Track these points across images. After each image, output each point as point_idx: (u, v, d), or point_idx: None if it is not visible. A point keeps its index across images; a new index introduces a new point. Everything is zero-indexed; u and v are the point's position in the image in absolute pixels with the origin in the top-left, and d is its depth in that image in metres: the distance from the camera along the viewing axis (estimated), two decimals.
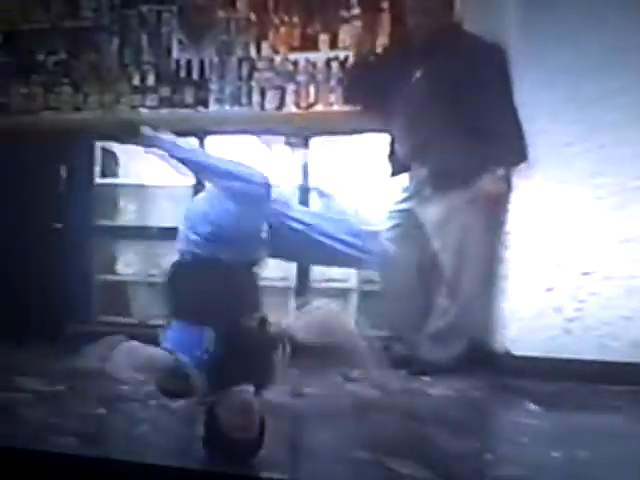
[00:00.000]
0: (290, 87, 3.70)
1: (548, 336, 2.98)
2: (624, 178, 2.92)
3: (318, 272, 3.58)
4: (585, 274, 2.97)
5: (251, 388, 1.97)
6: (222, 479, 1.88)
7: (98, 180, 3.88)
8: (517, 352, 3.01)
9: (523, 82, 2.99)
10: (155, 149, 2.22)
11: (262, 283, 3.36)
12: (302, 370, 2.98)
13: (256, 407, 1.94)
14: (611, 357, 2.91)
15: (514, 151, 2.98)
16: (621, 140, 2.92)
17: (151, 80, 3.82)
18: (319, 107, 3.67)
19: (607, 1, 2.93)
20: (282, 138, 3.61)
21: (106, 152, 3.92)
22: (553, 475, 2.00)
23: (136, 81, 3.84)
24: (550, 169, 2.98)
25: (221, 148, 3.56)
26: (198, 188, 3.62)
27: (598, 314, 2.95)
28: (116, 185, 3.98)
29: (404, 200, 3.26)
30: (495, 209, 3.06)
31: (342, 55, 3.68)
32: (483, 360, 3.09)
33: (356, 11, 3.71)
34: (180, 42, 3.82)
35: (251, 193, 2.12)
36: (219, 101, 3.76)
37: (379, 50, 3.66)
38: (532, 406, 2.61)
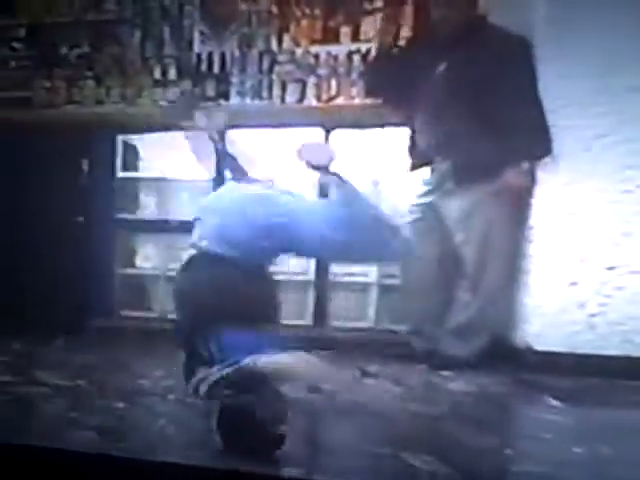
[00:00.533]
0: (311, 80, 3.69)
1: (571, 331, 2.95)
2: None
3: (337, 266, 3.58)
4: (610, 269, 2.93)
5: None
6: (240, 477, 1.87)
7: (120, 174, 3.90)
8: (539, 347, 2.98)
9: (550, 74, 2.95)
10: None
11: (281, 277, 3.44)
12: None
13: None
14: (636, 352, 2.87)
15: (539, 144, 2.94)
16: None
17: (172, 73, 3.82)
18: (340, 100, 3.66)
19: None
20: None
21: (127, 146, 3.94)
22: (575, 471, 1.96)
23: (158, 74, 3.85)
24: (576, 162, 2.94)
25: (242, 141, 3.59)
26: (218, 181, 3.65)
27: (623, 309, 2.90)
28: (137, 179, 4.00)
29: (426, 193, 3.23)
30: (519, 203, 3.03)
31: (364, 48, 3.66)
32: (505, 355, 3.06)
33: (379, 3, 3.68)
34: (202, 35, 3.82)
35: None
36: (240, 94, 3.75)
37: (402, 42, 3.64)
38: (554, 402, 2.58)
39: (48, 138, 3.71)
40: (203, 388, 1.94)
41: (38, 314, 3.55)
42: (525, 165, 2.96)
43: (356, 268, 3.61)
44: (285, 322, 3.26)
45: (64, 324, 3.54)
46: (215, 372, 1.91)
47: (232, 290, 2.03)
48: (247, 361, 1.88)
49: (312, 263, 3.58)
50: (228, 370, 1.90)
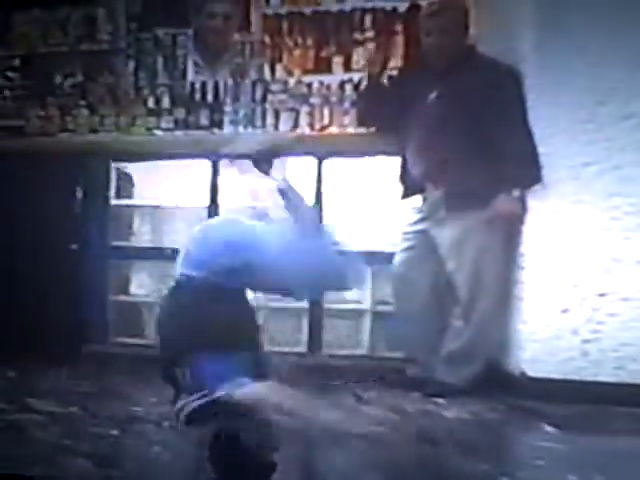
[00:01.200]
0: (304, 109, 3.73)
1: (565, 358, 2.96)
2: None
3: (332, 294, 3.58)
4: (602, 295, 2.94)
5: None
6: None
7: (113, 201, 3.91)
8: (533, 374, 2.98)
9: (540, 103, 3.00)
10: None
11: (276, 305, 3.44)
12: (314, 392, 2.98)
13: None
14: (629, 379, 2.87)
15: (529, 172, 2.97)
16: (637, 161, 2.91)
17: (166, 102, 3.85)
18: (333, 129, 3.69)
19: (627, 21, 2.92)
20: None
21: (121, 173, 3.96)
22: None
23: (151, 103, 3.88)
24: (566, 190, 2.98)
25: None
26: (212, 209, 3.67)
27: (616, 335, 2.92)
28: (131, 206, 4.01)
29: (418, 221, 3.26)
30: (510, 230, 3.05)
31: (356, 77, 3.71)
32: (499, 382, 3.06)
33: (370, 34, 3.74)
34: (195, 65, 3.86)
35: None
36: (233, 123, 3.79)
37: (393, 72, 3.69)
38: (549, 428, 2.59)
39: (42, 166, 3.72)
40: (182, 417, 1.95)
41: (32, 341, 3.53)
42: (516, 193, 2.99)
43: (350, 295, 3.61)
44: (279, 349, 3.30)
45: (58, 351, 3.52)
46: (191, 401, 1.92)
47: (209, 317, 2.03)
48: (222, 392, 1.88)
49: None
50: (204, 400, 1.91)
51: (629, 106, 2.91)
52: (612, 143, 2.93)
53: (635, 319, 2.90)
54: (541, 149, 2.96)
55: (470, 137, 3.01)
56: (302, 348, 3.61)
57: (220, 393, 1.86)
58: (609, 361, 2.91)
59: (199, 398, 1.89)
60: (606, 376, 2.90)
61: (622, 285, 2.93)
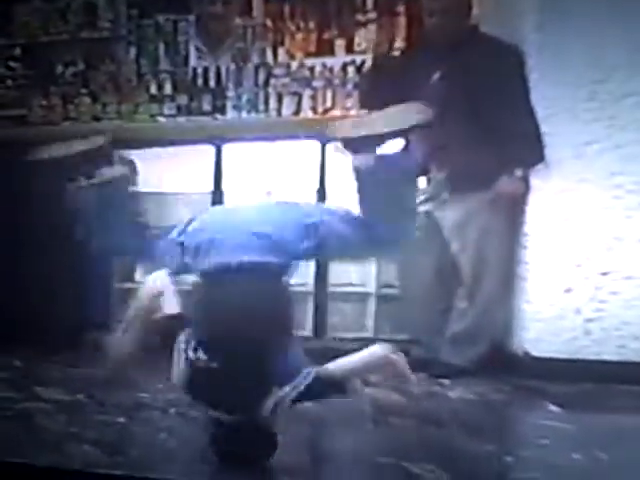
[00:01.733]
0: (307, 93, 3.72)
1: (568, 337, 2.98)
2: None
3: (336, 276, 3.60)
4: (604, 274, 2.95)
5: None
6: None
7: None
8: (537, 354, 3.00)
9: (543, 82, 2.99)
10: None
11: None
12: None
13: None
14: (632, 357, 2.89)
15: (531, 152, 2.98)
16: (639, 139, 2.91)
17: (168, 89, 3.86)
18: (336, 112, 3.69)
19: (626, 1, 2.92)
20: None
21: (124, 161, 3.96)
22: (574, 477, 1.98)
23: (154, 90, 3.89)
24: (569, 169, 2.98)
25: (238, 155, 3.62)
26: (216, 194, 3.68)
27: (618, 314, 2.93)
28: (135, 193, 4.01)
29: (422, 203, 3.25)
30: (513, 210, 3.06)
31: (358, 59, 3.71)
32: (503, 362, 3.08)
33: (372, 15, 3.73)
34: (197, 50, 3.86)
35: None
36: (236, 108, 3.79)
37: (396, 53, 3.68)
38: (553, 408, 2.60)
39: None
40: (285, 405, 1.95)
41: (38, 330, 3.56)
42: (519, 172, 2.99)
43: (355, 278, 3.63)
44: None
45: (63, 339, 3.55)
46: (293, 388, 1.93)
47: (287, 303, 2.03)
48: (315, 370, 1.92)
49: (311, 274, 3.60)
50: (304, 383, 1.92)
51: (629, 84, 2.91)
52: (613, 121, 2.93)
53: (637, 297, 2.92)
54: (544, 128, 2.96)
55: (473, 118, 3.01)
56: (308, 332, 3.63)
57: (314, 373, 1.90)
58: (612, 340, 2.93)
59: (297, 383, 1.91)
60: (609, 355, 2.92)
61: (624, 264, 2.94)
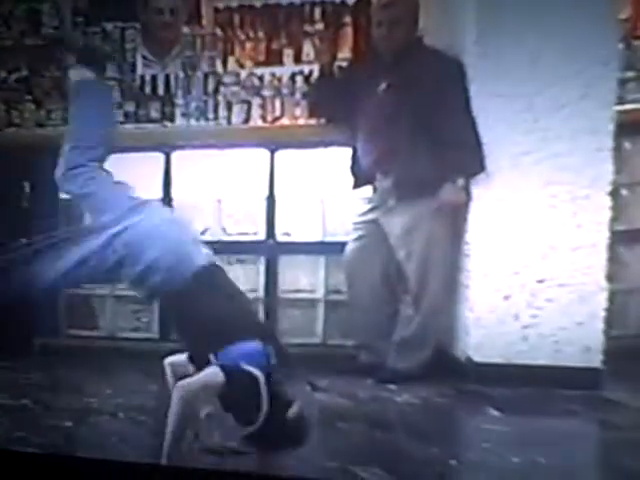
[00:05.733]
0: (256, 101, 3.74)
1: (507, 342, 3.05)
2: (575, 187, 3.00)
3: (286, 283, 3.63)
4: (540, 281, 3.03)
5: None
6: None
7: (63, 195, 3.87)
8: (479, 359, 3.07)
9: (482, 93, 3.07)
10: None
11: None
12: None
13: None
14: (566, 362, 2.97)
15: (472, 161, 3.05)
16: (573, 149, 3.00)
17: (116, 96, 3.82)
18: (285, 121, 3.73)
19: (563, 14, 3.00)
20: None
21: None
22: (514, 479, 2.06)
23: None
24: (507, 178, 3.05)
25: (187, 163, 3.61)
26: (165, 201, 3.67)
27: (553, 320, 3.01)
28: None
29: (369, 211, 3.32)
30: (455, 219, 3.13)
31: (307, 69, 3.75)
32: (447, 367, 3.16)
33: (320, 26, 3.78)
34: (144, 58, 3.83)
35: None
36: (185, 116, 3.78)
37: (343, 63, 3.73)
38: (493, 412, 2.69)
39: None
40: None
41: None
42: (460, 181, 3.07)
43: (304, 284, 3.67)
44: None
45: (10, 344, 3.50)
46: None
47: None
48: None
49: (261, 280, 3.63)
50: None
51: (564, 96, 2.99)
52: (548, 132, 3.01)
53: (570, 304, 3.00)
54: (484, 138, 3.04)
55: (417, 126, 3.08)
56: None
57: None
58: (548, 345, 3.01)
59: None
60: (545, 359, 3.00)
61: (558, 271, 3.02)
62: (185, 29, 3.81)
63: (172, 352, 2.26)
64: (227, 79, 3.78)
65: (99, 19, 3.85)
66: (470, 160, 3.05)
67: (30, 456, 1.95)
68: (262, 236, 3.57)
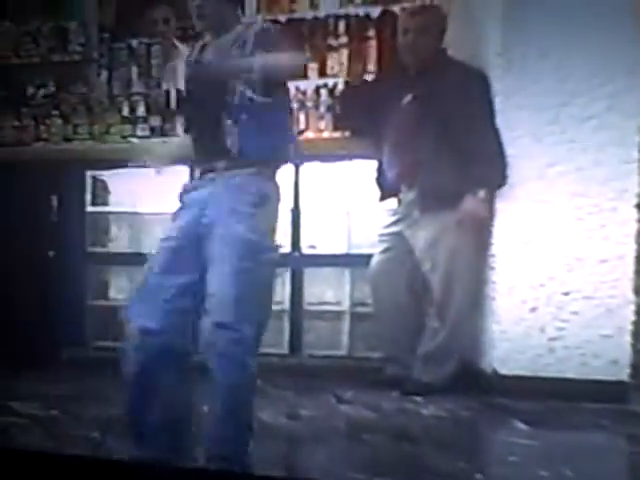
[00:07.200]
0: None
1: (533, 355, 3.03)
2: (602, 199, 2.98)
3: (311, 295, 3.64)
4: (566, 294, 3.01)
5: None
6: None
7: (89, 208, 3.93)
8: (505, 372, 3.05)
9: (507, 106, 3.07)
10: None
11: None
12: (297, 392, 3.05)
13: None
14: (593, 375, 2.95)
15: (495, 173, 3.04)
16: (600, 162, 2.98)
17: (141, 111, 3.87)
18: (309, 134, 3.74)
19: (591, 24, 2.99)
20: None
21: (97, 181, 3.97)
22: None
23: (126, 112, 3.90)
24: (532, 190, 3.04)
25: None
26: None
27: (579, 333, 2.99)
28: (107, 213, 4.03)
29: (394, 223, 3.31)
30: (479, 231, 3.11)
31: (331, 82, 3.77)
32: (473, 380, 3.14)
33: (344, 39, 3.80)
34: None
35: None
36: None
37: (368, 76, 3.75)
38: (521, 425, 2.66)
39: (18, 175, 3.73)
40: None
41: (13, 347, 3.55)
42: (483, 193, 3.05)
43: (329, 296, 3.67)
44: (262, 351, 3.34)
45: (38, 356, 3.55)
46: None
47: None
48: None
49: (287, 292, 3.64)
50: None
51: (590, 108, 2.98)
52: (574, 144, 3.00)
53: (597, 317, 2.98)
54: (509, 151, 3.03)
55: (442, 139, 3.08)
56: (283, 349, 3.66)
57: None
58: (574, 358, 2.98)
59: None
60: (572, 373, 2.97)
61: (584, 284, 3.00)
62: None
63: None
64: None
65: (125, 35, 3.92)
66: (491, 172, 3.04)
67: (30, 456, 1.95)
68: (288, 249, 3.58)
